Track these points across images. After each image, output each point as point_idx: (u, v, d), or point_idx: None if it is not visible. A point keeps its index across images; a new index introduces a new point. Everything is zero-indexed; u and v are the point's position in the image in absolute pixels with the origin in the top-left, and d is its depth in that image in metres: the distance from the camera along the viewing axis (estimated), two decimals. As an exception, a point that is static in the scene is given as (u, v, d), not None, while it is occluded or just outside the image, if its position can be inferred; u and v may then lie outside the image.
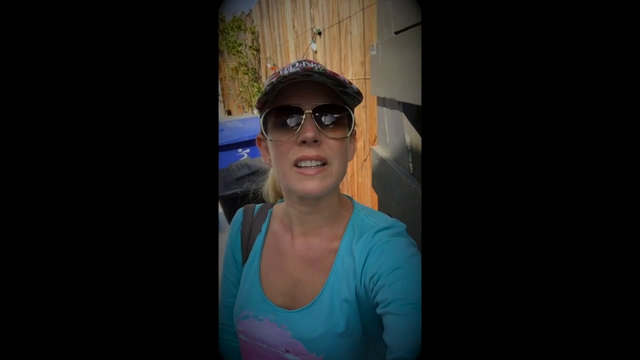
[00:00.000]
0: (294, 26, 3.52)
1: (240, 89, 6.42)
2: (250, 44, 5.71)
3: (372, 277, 0.47)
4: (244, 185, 2.20)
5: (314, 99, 0.50)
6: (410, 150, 1.03)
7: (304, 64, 0.50)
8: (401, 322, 0.40)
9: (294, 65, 0.51)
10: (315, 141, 0.49)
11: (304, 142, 0.49)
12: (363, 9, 1.98)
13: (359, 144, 2.26)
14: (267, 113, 0.52)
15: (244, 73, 6.03)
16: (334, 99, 0.51)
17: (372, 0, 1.86)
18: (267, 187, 0.70)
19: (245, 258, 0.64)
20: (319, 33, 2.75)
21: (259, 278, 0.60)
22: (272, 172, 0.69)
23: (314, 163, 0.50)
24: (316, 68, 0.47)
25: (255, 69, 5.80)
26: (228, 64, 7.07)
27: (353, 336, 0.51)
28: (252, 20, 5.58)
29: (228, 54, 6.52)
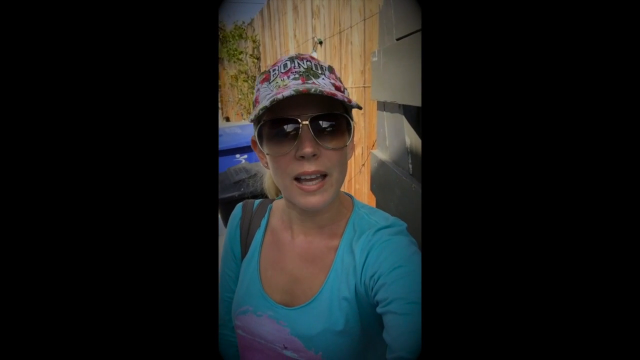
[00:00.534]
0: (295, 35, 3.59)
1: (240, 97, 6.48)
2: (251, 52, 5.79)
3: (372, 276, 0.47)
4: (241, 189, 2.22)
5: (310, 109, 0.48)
6: (410, 151, 1.06)
7: (297, 75, 0.49)
8: (402, 321, 0.40)
9: (287, 74, 0.50)
10: (314, 155, 0.48)
11: (302, 156, 0.48)
12: (364, 20, 2.05)
13: (357, 150, 2.30)
14: (261, 125, 0.50)
15: (243, 80, 6.10)
16: (330, 107, 0.49)
17: (373, 11, 1.92)
18: (267, 183, 0.70)
19: (244, 253, 0.64)
20: (320, 42, 2.81)
21: (259, 274, 0.60)
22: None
23: (313, 177, 0.49)
24: (312, 90, 0.44)
25: (255, 76, 5.87)
26: (228, 72, 7.15)
27: (351, 334, 0.51)
28: (254, 29, 5.67)
29: (228, 61, 6.61)
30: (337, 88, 0.51)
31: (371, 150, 1.50)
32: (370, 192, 1.52)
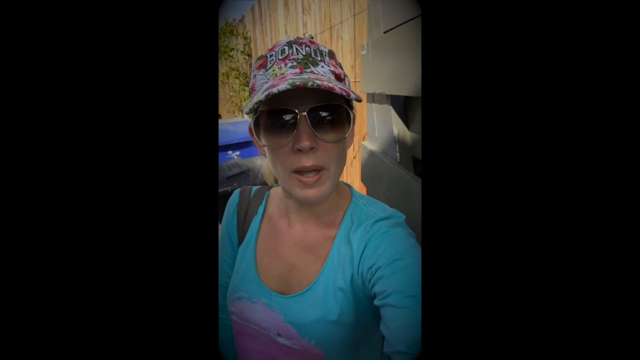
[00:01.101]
0: (286, 32, 3.61)
1: (231, 94, 6.47)
2: (242, 49, 5.78)
3: (370, 268, 0.47)
4: (234, 184, 2.24)
5: (308, 99, 0.47)
6: (398, 140, 1.11)
7: (295, 63, 0.48)
8: (400, 315, 0.40)
9: (285, 61, 0.48)
10: (312, 148, 0.47)
11: (300, 149, 0.47)
12: (354, 15, 2.08)
13: (349, 144, 2.33)
14: (258, 116, 0.49)
15: (235, 77, 6.09)
16: (329, 98, 0.47)
17: (362, 6, 1.96)
18: (266, 170, 0.70)
19: (240, 239, 0.64)
20: (311, 38, 2.84)
21: (255, 261, 0.60)
22: None
23: (311, 171, 0.48)
24: (310, 84, 0.42)
25: (246, 73, 5.86)
26: (219, 69, 7.13)
27: (345, 324, 0.51)
28: (245, 26, 5.66)
29: (219, 58, 6.58)
30: (337, 76, 0.50)
31: (362, 142, 1.54)
32: (362, 184, 1.56)
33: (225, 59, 6.24)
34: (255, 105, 0.45)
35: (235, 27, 6.14)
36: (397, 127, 1.10)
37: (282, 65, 0.49)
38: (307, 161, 0.47)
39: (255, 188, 0.68)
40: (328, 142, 0.48)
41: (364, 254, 0.49)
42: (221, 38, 6.20)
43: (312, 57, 0.50)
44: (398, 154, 1.11)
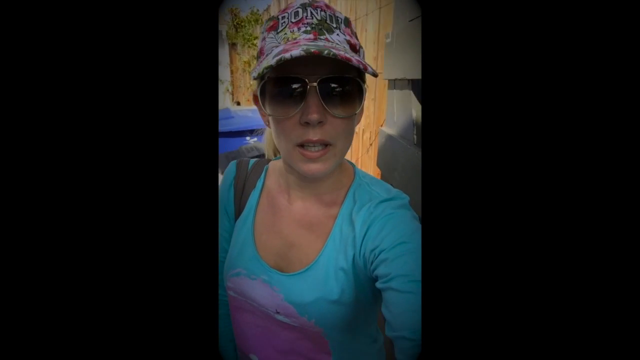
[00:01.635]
0: (311, 22, 3.66)
1: (252, 83, 6.58)
2: (265, 38, 5.87)
3: (373, 250, 0.46)
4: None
5: (320, 69, 0.43)
6: (415, 123, 1.18)
7: (309, 28, 0.44)
8: (404, 300, 0.39)
9: (298, 24, 0.45)
10: (320, 122, 0.44)
11: (307, 122, 0.44)
12: (380, 8, 2.14)
13: (365, 135, 2.40)
14: (265, 82, 0.46)
15: (257, 66, 6.19)
16: (342, 69, 0.44)
17: (388, 0, 2.01)
18: (266, 142, 0.68)
19: (237, 213, 0.62)
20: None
21: (253, 236, 0.58)
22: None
23: (317, 145, 0.46)
24: (325, 52, 0.39)
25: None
26: (241, 57, 7.24)
27: (346, 304, 0.50)
28: (270, 14, 5.74)
29: (242, 46, 6.69)
30: (353, 46, 0.47)
31: (380, 127, 1.61)
32: (377, 169, 1.63)
33: (249, 47, 6.35)
34: (265, 71, 0.41)
35: (260, 15, 6.24)
36: (416, 110, 1.18)
37: (295, 29, 0.45)
38: (314, 135, 0.45)
39: (252, 161, 0.65)
40: (337, 118, 0.45)
41: (366, 235, 0.48)
42: (245, 26, 6.31)
43: (328, 24, 0.46)
44: (415, 136, 1.18)
